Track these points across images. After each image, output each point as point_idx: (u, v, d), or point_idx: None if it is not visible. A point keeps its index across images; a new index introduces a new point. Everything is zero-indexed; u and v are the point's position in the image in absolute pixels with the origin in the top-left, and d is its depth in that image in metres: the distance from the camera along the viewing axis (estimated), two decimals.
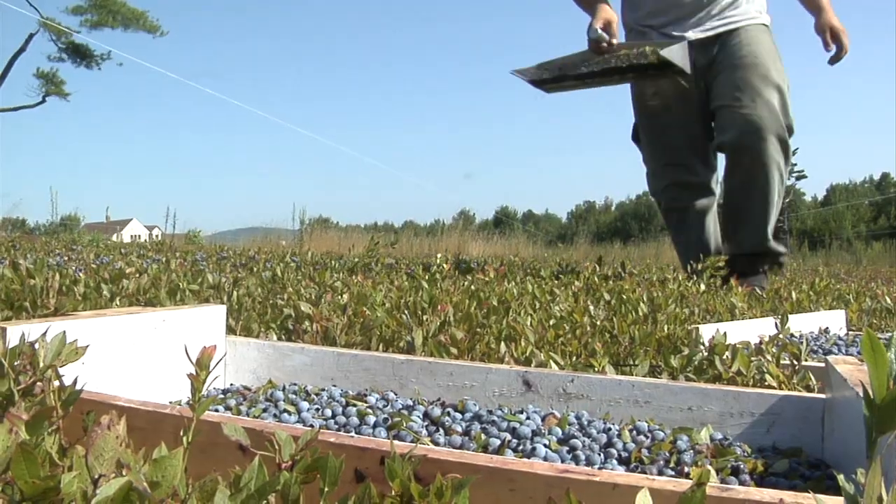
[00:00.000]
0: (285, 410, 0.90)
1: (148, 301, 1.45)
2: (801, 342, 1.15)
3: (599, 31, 2.73)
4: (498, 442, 0.77)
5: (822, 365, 0.90)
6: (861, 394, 0.48)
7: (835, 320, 1.82)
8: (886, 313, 2.18)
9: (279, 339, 1.31)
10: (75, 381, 0.56)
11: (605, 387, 0.90)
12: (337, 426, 0.85)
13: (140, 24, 17.37)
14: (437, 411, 0.88)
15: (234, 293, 1.58)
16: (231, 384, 1.08)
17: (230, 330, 1.11)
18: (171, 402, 0.89)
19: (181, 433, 0.46)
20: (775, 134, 2.68)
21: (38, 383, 0.55)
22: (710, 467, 0.66)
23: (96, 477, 0.39)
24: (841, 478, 0.36)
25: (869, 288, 3.14)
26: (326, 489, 0.45)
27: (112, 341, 0.89)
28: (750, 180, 2.76)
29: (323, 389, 0.99)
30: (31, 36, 17.71)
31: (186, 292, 1.53)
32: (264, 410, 0.90)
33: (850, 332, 1.76)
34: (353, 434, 0.78)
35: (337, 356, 1.05)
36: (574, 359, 1.21)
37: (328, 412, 0.89)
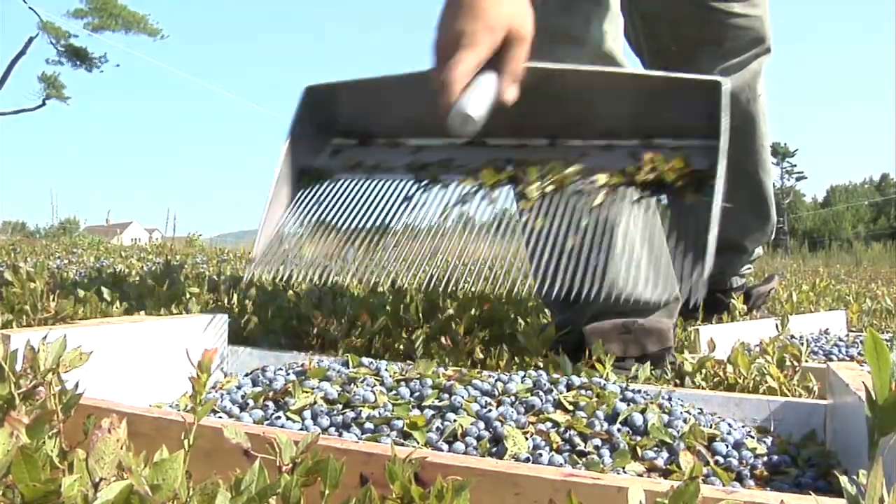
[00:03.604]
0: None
1: (151, 306, 1.45)
2: (802, 343, 1.15)
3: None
4: None
5: (823, 367, 0.89)
6: (863, 399, 0.48)
7: (835, 321, 1.81)
8: (886, 314, 2.18)
9: (280, 342, 1.31)
10: (76, 385, 0.56)
11: None
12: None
13: (140, 28, 17.41)
14: None
15: (235, 295, 1.58)
16: None
17: (231, 334, 1.11)
18: (170, 405, 0.89)
19: (182, 437, 0.46)
20: None
21: (40, 387, 0.55)
22: (712, 465, 0.66)
23: (97, 480, 0.39)
24: (843, 479, 0.36)
25: (869, 289, 3.14)
26: (327, 491, 0.45)
27: (114, 349, 0.89)
28: None
29: None
30: (30, 39, 17.74)
31: (187, 294, 1.52)
32: None
33: (851, 333, 1.76)
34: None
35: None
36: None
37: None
